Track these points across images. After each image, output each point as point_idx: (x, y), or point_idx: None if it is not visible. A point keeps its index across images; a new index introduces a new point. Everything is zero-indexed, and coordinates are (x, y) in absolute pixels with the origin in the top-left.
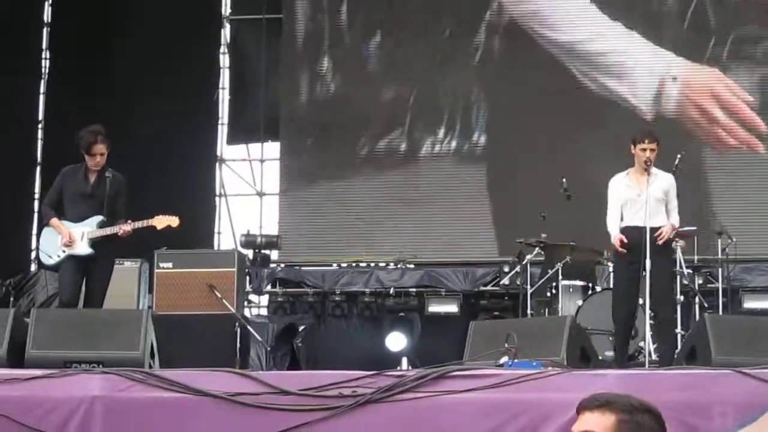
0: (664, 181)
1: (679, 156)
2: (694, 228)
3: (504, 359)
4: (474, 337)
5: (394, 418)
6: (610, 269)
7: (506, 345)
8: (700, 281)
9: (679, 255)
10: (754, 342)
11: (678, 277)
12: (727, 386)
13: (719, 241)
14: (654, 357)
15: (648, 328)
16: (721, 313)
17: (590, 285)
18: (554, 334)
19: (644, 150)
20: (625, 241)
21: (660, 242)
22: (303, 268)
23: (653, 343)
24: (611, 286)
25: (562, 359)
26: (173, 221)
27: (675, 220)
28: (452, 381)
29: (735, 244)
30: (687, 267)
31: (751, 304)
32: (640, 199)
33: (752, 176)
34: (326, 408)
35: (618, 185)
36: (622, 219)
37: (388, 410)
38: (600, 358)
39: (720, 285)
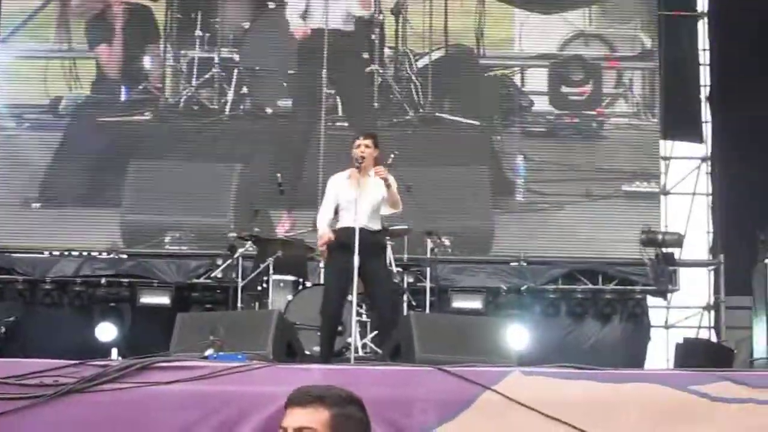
0: (381, 182)
1: (392, 155)
2: (405, 227)
3: (209, 351)
4: (181, 328)
5: (96, 409)
6: (321, 265)
7: (212, 337)
8: (411, 280)
9: (389, 254)
10: (458, 340)
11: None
12: (428, 384)
13: (428, 241)
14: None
15: (354, 324)
16: (428, 311)
17: (301, 280)
18: (261, 327)
19: (359, 147)
20: (332, 238)
21: (377, 175)
22: (14, 254)
23: (379, 342)
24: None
25: (268, 353)
26: None
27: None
28: (157, 372)
29: (446, 245)
30: (397, 266)
31: (459, 303)
32: (355, 199)
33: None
34: (27, 397)
35: (335, 185)
36: (339, 219)
37: (90, 400)
38: (307, 353)
39: (428, 284)
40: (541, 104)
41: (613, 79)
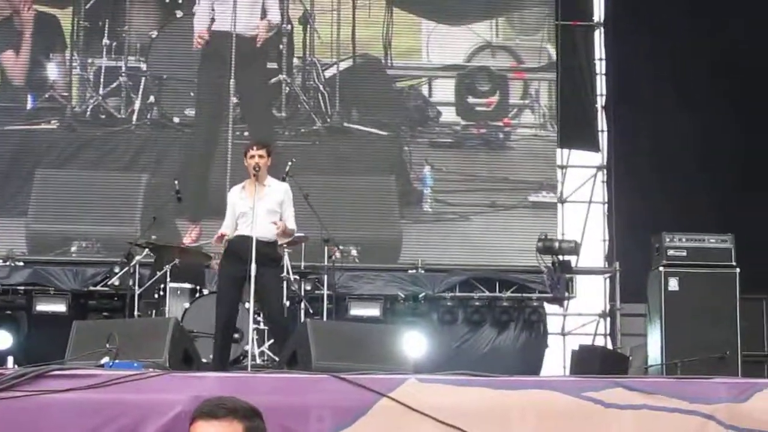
0: (278, 192)
1: (289, 163)
2: (302, 234)
3: (105, 359)
4: (77, 336)
5: None
6: None
7: (107, 345)
8: (308, 287)
9: (286, 261)
10: (355, 348)
11: (285, 283)
12: (325, 391)
13: (326, 249)
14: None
15: (252, 332)
16: (326, 319)
17: (198, 288)
18: (157, 335)
19: (252, 157)
20: (226, 234)
21: (277, 232)
22: None
23: (277, 350)
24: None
25: (164, 361)
26: None
27: (291, 225)
28: (52, 380)
29: (354, 254)
30: (294, 273)
31: (356, 311)
32: (252, 210)
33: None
34: None
35: (233, 197)
36: (237, 228)
37: None
38: (204, 360)
39: (325, 291)
40: (449, 115)
41: (519, 90)
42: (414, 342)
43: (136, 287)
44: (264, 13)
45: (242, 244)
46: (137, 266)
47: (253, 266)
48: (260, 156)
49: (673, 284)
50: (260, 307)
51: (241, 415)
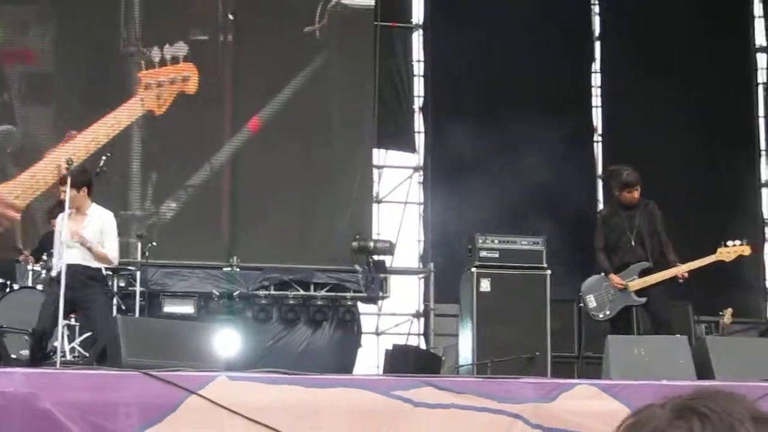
0: (98, 221)
1: (104, 157)
2: None
3: None
4: None
5: None
6: (29, 268)
7: None
8: (122, 284)
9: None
10: (166, 345)
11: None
12: (133, 388)
13: (139, 244)
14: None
15: (62, 328)
16: (138, 316)
17: (9, 283)
18: None
19: (63, 192)
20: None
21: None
22: None
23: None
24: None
25: None
26: None
27: (112, 257)
28: None
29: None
30: (107, 270)
31: (170, 308)
32: (67, 238)
33: None
34: None
35: (59, 225)
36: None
37: None
38: (14, 356)
39: (138, 288)
40: None
41: None
42: (227, 340)
43: None
44: None
45: (63, 270)
46: None
47: (62, 294)
48: (63, 192)
49: (485, 285)
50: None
51: None
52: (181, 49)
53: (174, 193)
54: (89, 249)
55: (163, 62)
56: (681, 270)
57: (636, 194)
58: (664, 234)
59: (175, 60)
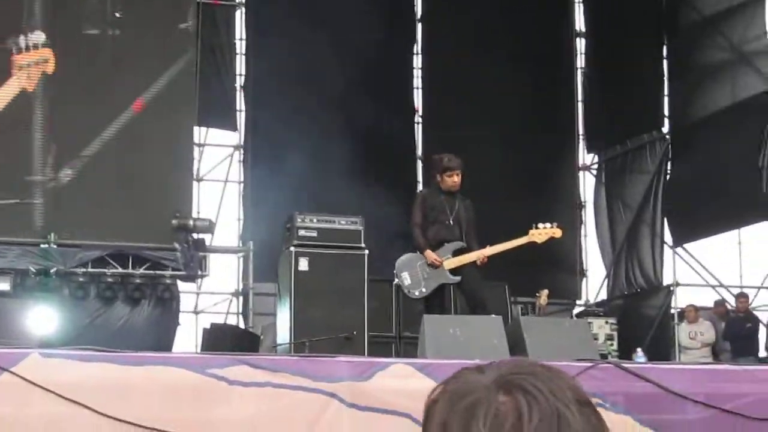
0: None
1: None
2: None
3: None
4: None
5: None
6: None
7: None
8: None
9: None
10: None
11: None
12: None
13: None
14: None
15: None
16: None
17: None
18: None
19: None
20: None
21: None
22: None
23: None
24: None
25: None
26: None
27: None
28: None
29: None
30: None
31: None
32: None
33: None
34: None
35: None
36: None
37: None
38: None
39: None
40: None
41: None
42: (43, 317)
43: None
44: None
45: None
46: None
47: None
48: None
49: (303, 264)
50: None
51: None
52: (39, 37)
53: None
54: None
55: (27, 48)
56: (490, 251)
57: (456, 179)
58: (474, 230)
59: (35, 46)
